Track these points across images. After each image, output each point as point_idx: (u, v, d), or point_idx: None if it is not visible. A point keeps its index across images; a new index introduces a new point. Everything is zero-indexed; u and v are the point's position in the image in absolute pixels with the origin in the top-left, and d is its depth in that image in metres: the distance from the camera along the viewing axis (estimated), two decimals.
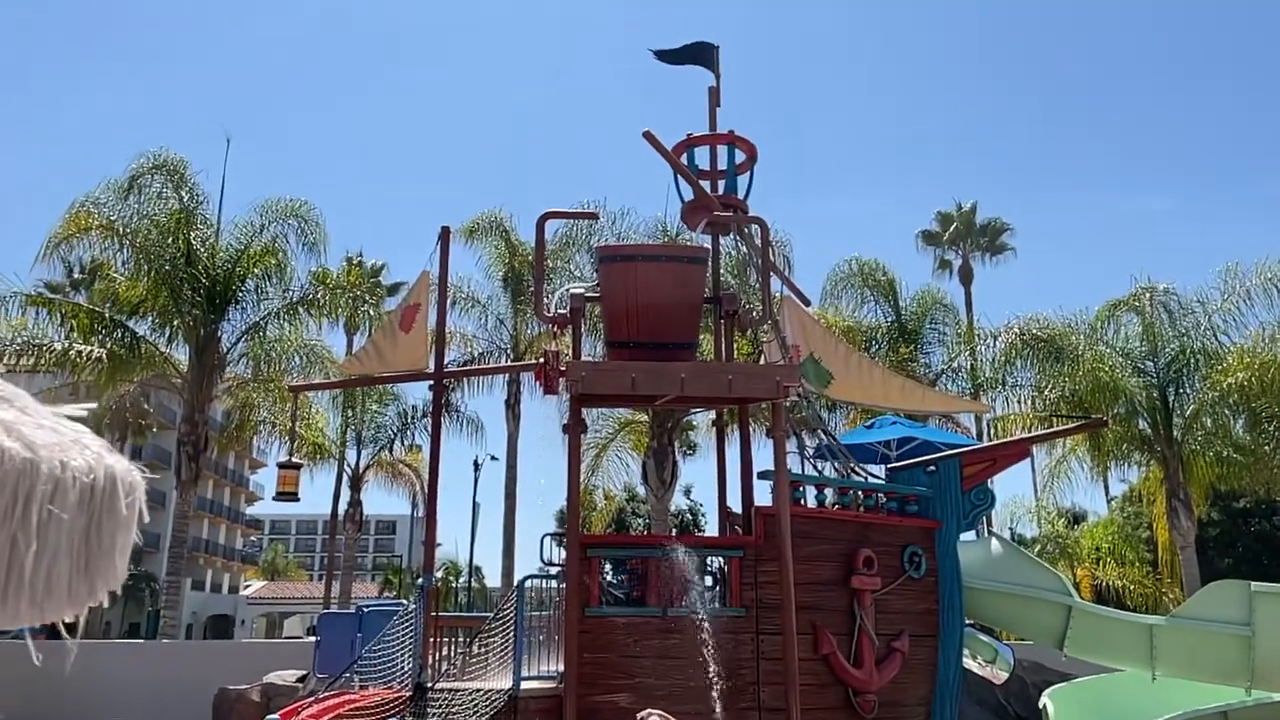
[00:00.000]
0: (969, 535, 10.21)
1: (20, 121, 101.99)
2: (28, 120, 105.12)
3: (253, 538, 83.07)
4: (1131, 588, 29.40)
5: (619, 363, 8.45)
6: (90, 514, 1.46)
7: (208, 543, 63.85)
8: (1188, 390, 20.10)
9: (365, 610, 13.39)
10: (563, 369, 8.23)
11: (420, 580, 9.43)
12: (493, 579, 46.71)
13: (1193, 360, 19.93)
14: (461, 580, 54.80)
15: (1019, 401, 21.13)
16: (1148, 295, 20.65)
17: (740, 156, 9.95)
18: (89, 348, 19.83)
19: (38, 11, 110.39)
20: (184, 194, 20.31)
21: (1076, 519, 41.45)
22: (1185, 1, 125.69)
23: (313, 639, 15.85)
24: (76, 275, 39.97)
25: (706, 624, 7.55)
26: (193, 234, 20.25)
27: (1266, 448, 20.32)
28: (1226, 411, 20.14)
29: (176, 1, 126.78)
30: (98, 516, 1.48)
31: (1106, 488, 40.67)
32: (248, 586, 73.92)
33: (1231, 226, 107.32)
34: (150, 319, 20.76)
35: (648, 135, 9.27)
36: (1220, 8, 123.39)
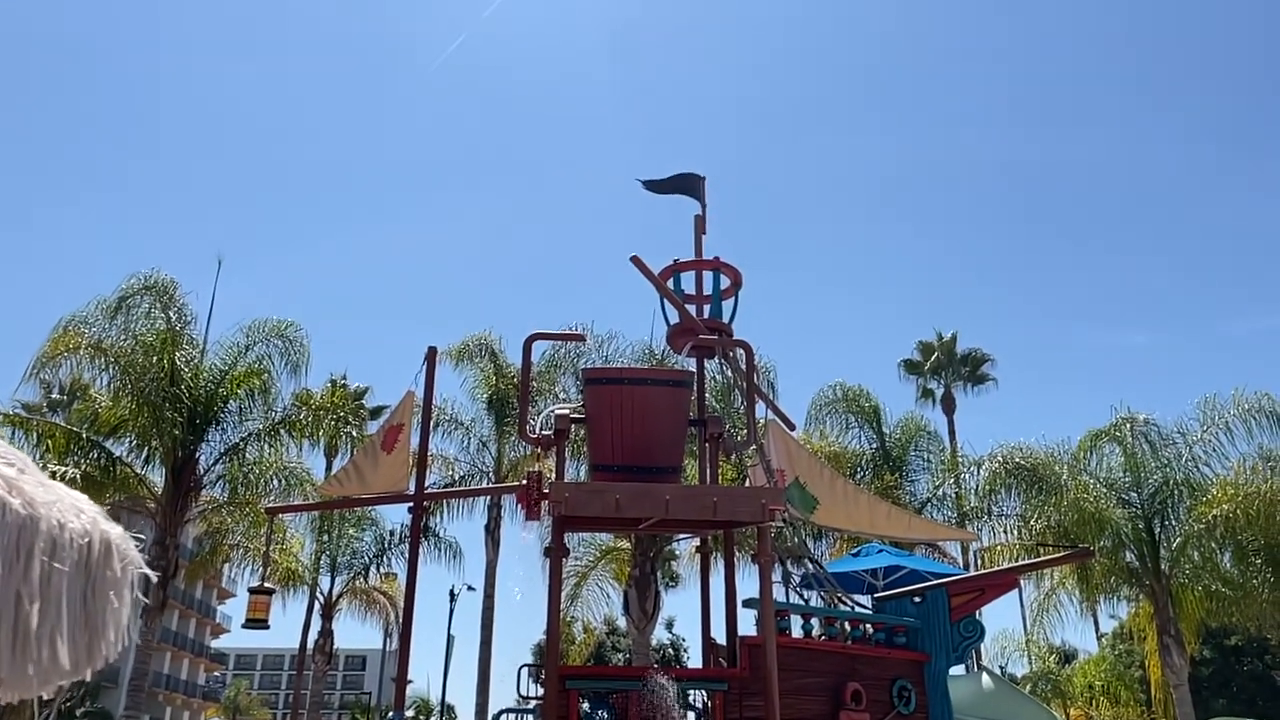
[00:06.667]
0: (959, 669, 9.94)
1: (12, 244, 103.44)
2: (20, 243, 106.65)
3: (216, 673, 79.69)
4: None
5: (603, 483, 8.34)
6: (88, 576, 1.45)
7: (169, 678, 61.17)
8: (1173, 522, 20.01)
9: None
10: (546, 491, 8.12)
11: (391, 715, 9.03)
12: (465, 718, 44.77)
13: (1176, 491, 19.93)
14: None
15: (1005, 531, 21.01)
16: (1128, 425, 20.82)
17: (725, 282, 10.14)
18: (63, 468, 19.47)
19: (35, 131, 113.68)
20: (172, 314, 20.41)
21: (1068, 657, 40.57)
22: (1156, 146, 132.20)
23: None
24: (55, 396, 39.73)
25: None
26: (178, 354, 20.23)
27: (1255, 581, 20.11)
28: (1213, 544, 20.00)
29: (175, 129, 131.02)
30: (94, 579, 1.46)
31: (1096, 624, 40.06)
32: None
33: (1203, 364, 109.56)
34: (128, 440, 20.51)
35: (635, 260, 9.46)
36: (1189, 156, 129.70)
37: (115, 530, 1.58)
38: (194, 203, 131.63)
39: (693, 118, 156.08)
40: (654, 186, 10.86)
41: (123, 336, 19.98)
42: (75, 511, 1.51)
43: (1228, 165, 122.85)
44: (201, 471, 20.55)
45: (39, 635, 1.38)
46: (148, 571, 1.63)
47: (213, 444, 20.61)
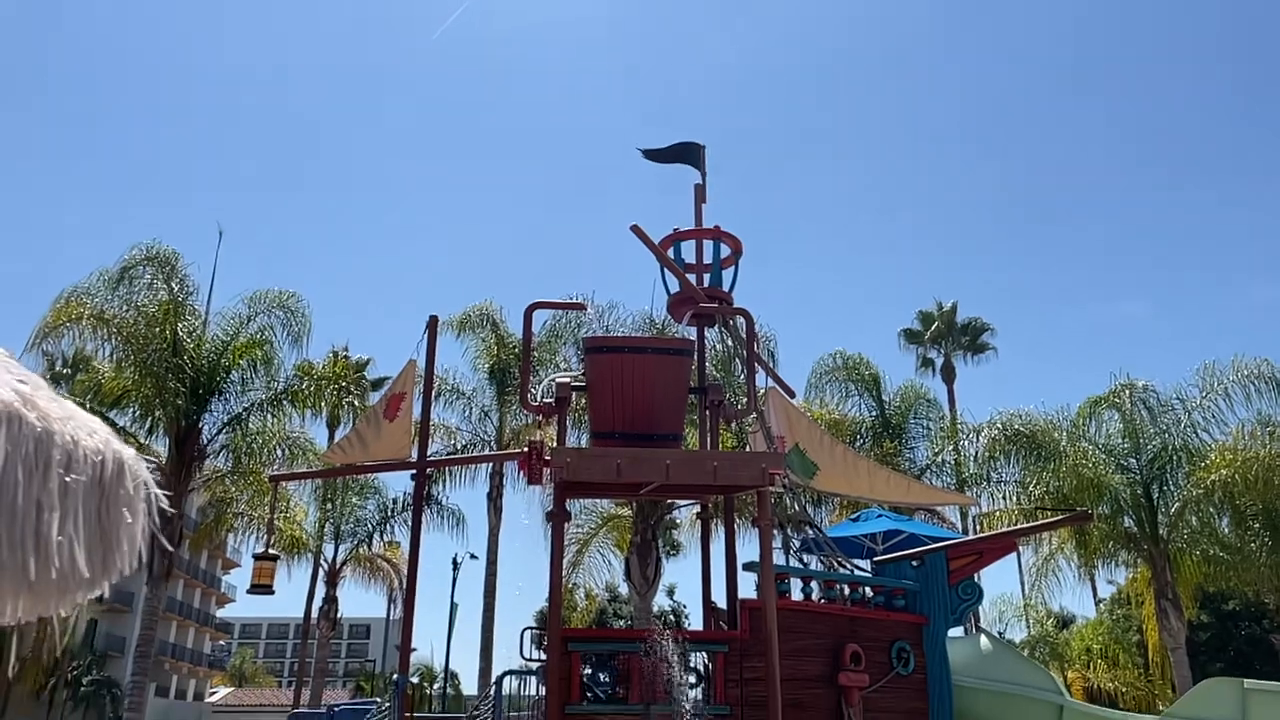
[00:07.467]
0: (957, 631, 10.06)
1: (17, 220, 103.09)
2: (24, 219, 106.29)
3: (221, 642, 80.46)
4: (1124, 690, 28.86)
5: (604, 448, 8.42)
6: (102, 492, 1.50)
7: (174, 646, 61.73)
8: (1171, 487, 20.11)
9: (337, 709, 12.93)
10: (547, 458, 8.18)
11: (396, 678, 9.16)
12: (469, 686, 45.35)
13: (1175, 457, 20.01)
14: (436, 687, 53.12)
15: (1004, 497, 21.17)
16: (1127, 392, 20.87)
17: (726, 250, 10.15)
18: None
19: (37, 107, 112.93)
20: (174, 285, 20.42)
21: (1065, 623, 41.00)
22: (1157, 112, 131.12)
23: None
24: (59, 369, 39.81)
25: None
26: (180, 325, 20.26)
27: (1253, 545, 20.25)
28: (1211, 509, 20.11)
29: (175, 101, 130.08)
30: (108, 495, 1.51)
31: (1094, 589, 40.41)
32: (214, 693, 71.22)
33: (1204, 331, 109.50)
34: (132, 410, 20.58)
35: (635, 229, 9.47)
36: (1189, 121, 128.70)
37: (128, 451, 1.65)
38: (194, 173, 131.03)
39: (694, 85, 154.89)
40: (655, 156, 10.84)
41: (125, 307, 19.99)
42: (89, 431, 1.57)
43: (1229, 138, 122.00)
44: (205, 441, 20.65)
45: (59, 542, 1.44)
46: (159, 492, 1.69)
47: (216, 414, 20.70)
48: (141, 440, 20.75)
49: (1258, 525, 20.19)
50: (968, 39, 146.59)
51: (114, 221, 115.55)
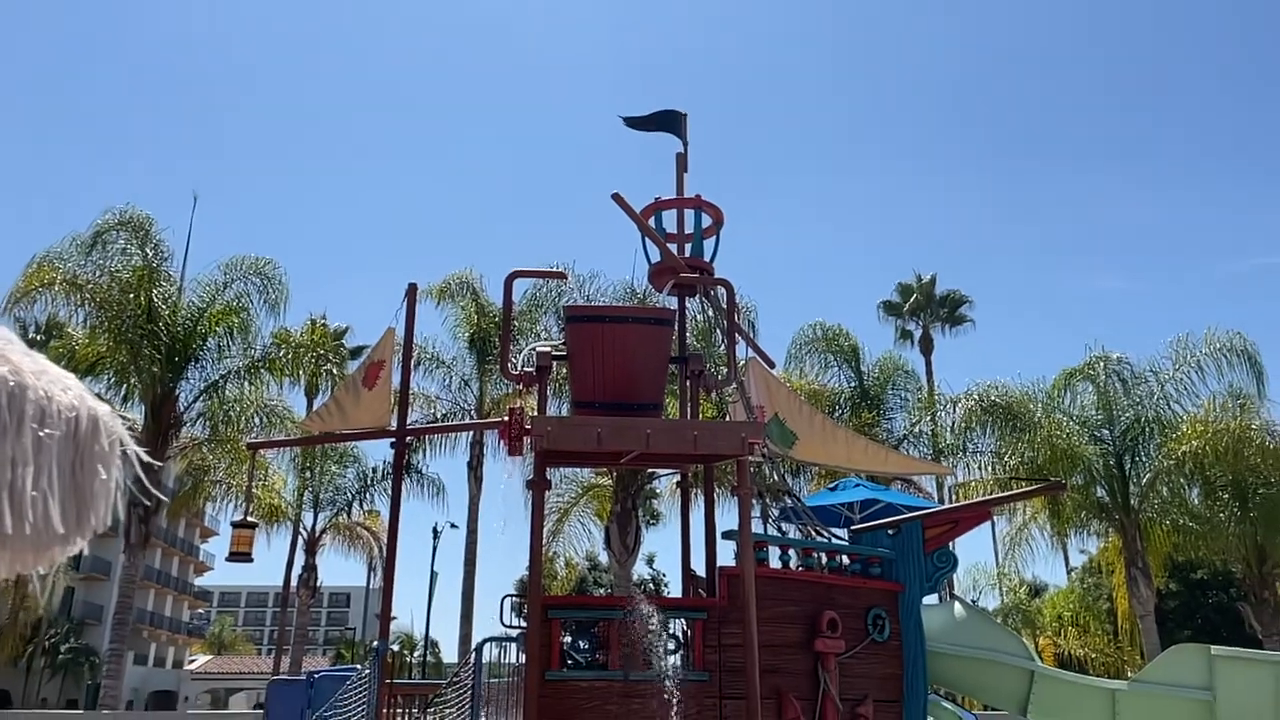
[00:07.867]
0: (932, 598, 10.20)
1: None
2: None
3: (200, 610, 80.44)
4: (1094, 656, 29.47)
5: (585, 417, 8.40)
6: (76, 448, 1.49)
7: (153, 615, 61.66)
8: (1143, 458, 20.43)
9: (317, 675, 12.96)
10: (528, 427, 8.16)
11: (376, 644, 9.18)
12: (449, 654, 45.66)
13: (1148, 429, 20.32)
14: (416, 654, 53.42)
15: (980, 468, 21.43)
16: (1102, 364, 21.12)
17: (707, 220, 10.11)
18: None
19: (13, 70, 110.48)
20: (148, 250, 20.15)
21: (1037, 591, 41.70)
22: (1140, 92, 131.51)
23: (260, 713, 15.29)
24: (32, 336, 39.31)
25: (669, 688, 7.40)
26: (155, 291, 20.03)
27: (1221, 515, 20.62)
28: (1182, 480, 20.46)
29: (149, 59, 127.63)
30: (83, 452, 1.50)
31: (1066, 558, 41.09)
32: (193, 661, 71.32)
33: (1179, 308, 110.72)
34: (107, 377, 20.39)
35: (616, 197, 9.41)
36: (1172, 102, 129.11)
37: (102, 408, 1.63)
38: (170, 141, 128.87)
39: (675, 56, 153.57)
40: (636, 123, 10.74)
41: (98, 273, 19.74)
42: (62, 386, 1.56)
43: (1213, 118, 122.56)
44: (181, 409, 20.50)
45: (34, 497, 1.43)
46: (136, 448, 1.67)
47: (192, 382, 20.56)
48: (117, 408, 20.57)
49: (1227, 496, 20.55)
50: (949, 11, 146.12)
51: (86, 187, 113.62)
